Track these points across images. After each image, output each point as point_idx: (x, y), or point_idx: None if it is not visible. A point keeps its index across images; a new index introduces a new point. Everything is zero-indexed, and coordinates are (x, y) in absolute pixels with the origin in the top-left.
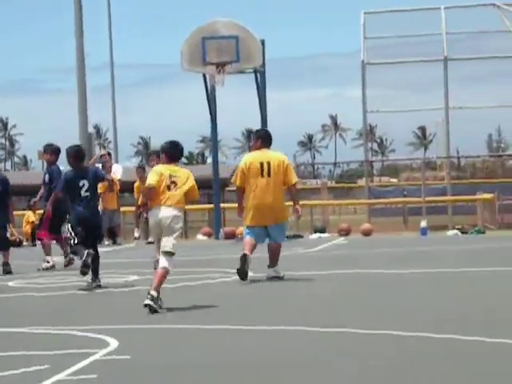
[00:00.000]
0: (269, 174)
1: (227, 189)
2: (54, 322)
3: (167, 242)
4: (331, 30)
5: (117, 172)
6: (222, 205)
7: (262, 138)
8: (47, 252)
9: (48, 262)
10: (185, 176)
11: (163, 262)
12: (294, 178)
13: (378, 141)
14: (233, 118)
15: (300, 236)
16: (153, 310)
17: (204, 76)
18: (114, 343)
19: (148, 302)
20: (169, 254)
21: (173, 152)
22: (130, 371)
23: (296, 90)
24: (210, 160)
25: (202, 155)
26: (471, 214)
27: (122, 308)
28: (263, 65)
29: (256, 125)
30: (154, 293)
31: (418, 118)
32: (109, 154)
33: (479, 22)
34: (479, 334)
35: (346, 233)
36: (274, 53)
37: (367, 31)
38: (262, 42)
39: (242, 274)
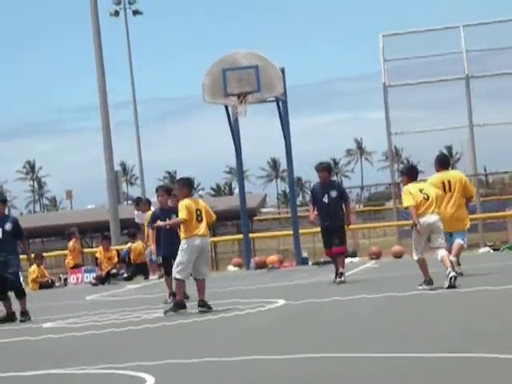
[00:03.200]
0: (450, 189)
1: (255, 218)
2: (92, 361)
3: (441, 239)
4: (348, 53)
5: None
6: (251, 235)
7: (439, 163)
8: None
9: None
10: (428, 188)
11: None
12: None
13: (405, 162)
14: (257, 146)
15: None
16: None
17: (226, 107)
18: (150, 380)
19: (453, 274)
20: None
21: (412, 172)
22: None
23: (318, 115)
24: (237, 190)
25: (230, 186)
26: (502, 230)
27: (156, 344)
28: (284, 93)
29: (281, 152)
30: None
31: (444, 137)
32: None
33: (499, 37)
34: None
35: (376, 256)
36: (294, 79)
37: (386, 53)
38: (282, 70)
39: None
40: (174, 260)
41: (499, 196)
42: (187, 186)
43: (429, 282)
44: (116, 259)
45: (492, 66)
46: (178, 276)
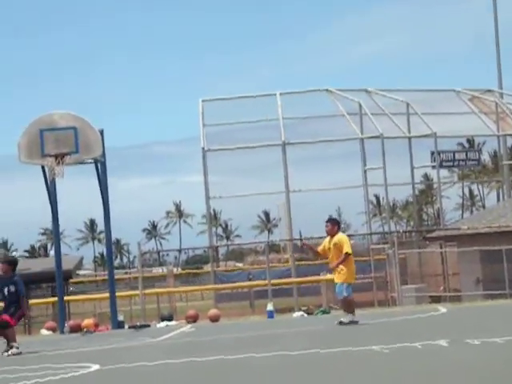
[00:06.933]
0: None
1: (71, 280)
2: None
3: None
4: (169, 117)
5: None
6: (66, 297)
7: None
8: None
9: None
10: None
11: None
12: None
13: (223, 225)
14: (74, 208)
15: (147, 325)
16: None
17: (43, 168)
18: None
19: None
20: None
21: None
22: None
23: (137, 177)
24: (52, 252)
25: (45, 248)
26: (316, 294)
27: None
28: (103, 154)
29: (99, 214)
30: None
31: (261, 201)
32: None
33: (314, 106)
34: None
35: (193, 320)
36: (114, 141)
37: (206, 118)
38: (101, 132)
39: None
40: None
41: (313, 261)
42: None
43: None
44: None
45: (307, 133)
46: None
